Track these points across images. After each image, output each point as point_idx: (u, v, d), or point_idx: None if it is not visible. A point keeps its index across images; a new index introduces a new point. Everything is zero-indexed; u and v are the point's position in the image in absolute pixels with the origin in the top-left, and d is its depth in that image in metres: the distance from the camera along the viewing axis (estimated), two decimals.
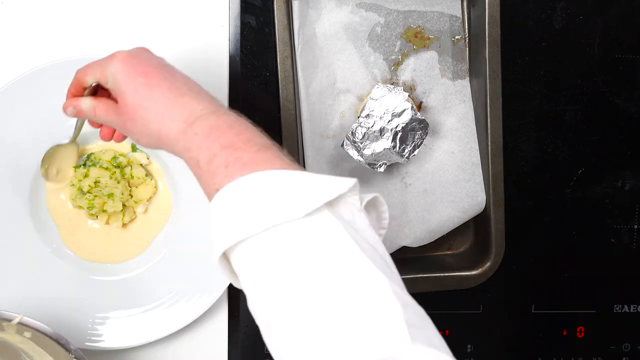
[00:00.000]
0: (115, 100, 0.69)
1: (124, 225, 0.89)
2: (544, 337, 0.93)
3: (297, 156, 0.86)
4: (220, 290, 0.87)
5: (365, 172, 0.89)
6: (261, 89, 0.89)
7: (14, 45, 0.87)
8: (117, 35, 0.88)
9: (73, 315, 0.87)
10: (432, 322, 0.55)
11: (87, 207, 0.87)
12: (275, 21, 0.84)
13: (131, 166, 0.88)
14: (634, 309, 0.92)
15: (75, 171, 0.87)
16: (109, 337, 0.87)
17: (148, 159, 0.88)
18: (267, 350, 0.91)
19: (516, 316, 0.92)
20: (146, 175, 0.88)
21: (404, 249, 0.91)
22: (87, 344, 0.87)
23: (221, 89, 0.89)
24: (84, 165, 0.87)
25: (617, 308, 0.92)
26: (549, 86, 0.91)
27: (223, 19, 0.88)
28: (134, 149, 0.88)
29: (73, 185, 0.87)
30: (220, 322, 0.91)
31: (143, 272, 0.88)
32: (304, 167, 0.88)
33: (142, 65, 0.67)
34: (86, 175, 0.86)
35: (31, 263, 0.87)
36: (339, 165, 0.90)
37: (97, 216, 0.88)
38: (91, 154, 0.87)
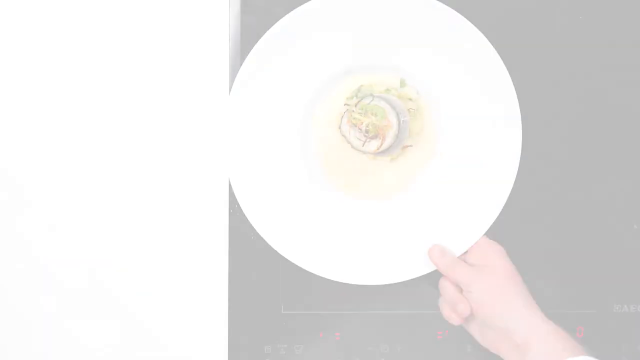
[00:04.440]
0: None
1: (392, 159, 0.89)
2: None
3: None
4: None
5: None
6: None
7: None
8: (117, 35, 0.88)
9: (334, 249, 0.88)
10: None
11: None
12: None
13: (401, 100, 0.87)
14: (634, 309, 0.92)
15: (347, 101, 0.88)
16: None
17: (417, 93, 0.88)
18: (267, 350, 0.91)
19: None
20: (415, 109, 0.88)
21: None
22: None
23: (221, 90, 0.89)
24: (356, 96, 0.87)
25: (617, 308, 0.92)
26: (550, 86, 0.91)
27: (223, 19, 0.88)
28: (402, 84, 0.88)
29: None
30: (220, 321, 0.91)
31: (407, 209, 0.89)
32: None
33: None
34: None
35: (300, 198, 0.88)
36: None
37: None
38: (361, 85, 0.87)
